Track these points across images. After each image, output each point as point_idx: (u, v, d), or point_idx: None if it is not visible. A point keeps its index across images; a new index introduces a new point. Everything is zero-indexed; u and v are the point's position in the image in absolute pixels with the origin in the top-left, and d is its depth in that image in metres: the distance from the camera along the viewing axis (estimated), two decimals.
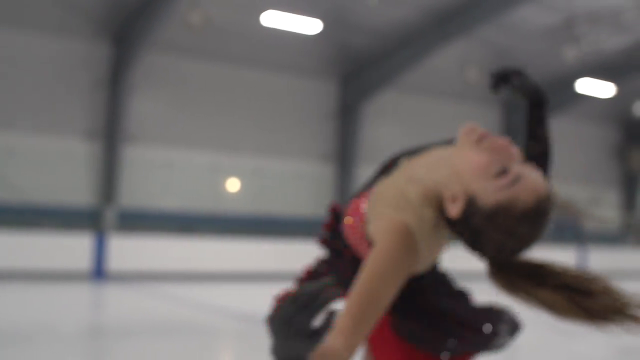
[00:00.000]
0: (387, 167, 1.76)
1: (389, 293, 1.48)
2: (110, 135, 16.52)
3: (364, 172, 19.89)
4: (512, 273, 1.57)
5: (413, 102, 20.78)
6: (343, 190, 19.59)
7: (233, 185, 18.73)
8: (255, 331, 7.98)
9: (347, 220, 1.72)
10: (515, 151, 1.52)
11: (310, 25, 14.83)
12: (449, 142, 1.73)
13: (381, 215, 1.57)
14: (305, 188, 19.43)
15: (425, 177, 1.60)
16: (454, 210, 1.53)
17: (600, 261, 20.47)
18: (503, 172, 1.49)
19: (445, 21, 17.00)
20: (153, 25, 15.31)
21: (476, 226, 1.51)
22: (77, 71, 16.41)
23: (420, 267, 1.61)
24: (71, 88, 16.38)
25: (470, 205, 1.51)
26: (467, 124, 1.58)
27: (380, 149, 20.35)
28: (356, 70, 19.49)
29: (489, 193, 1.49)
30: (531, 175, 1.50)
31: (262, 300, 11.68)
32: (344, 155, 19.80)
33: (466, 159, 1.53)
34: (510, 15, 16.92)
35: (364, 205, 1.65)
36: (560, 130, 23.18)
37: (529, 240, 1.52)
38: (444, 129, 21.36)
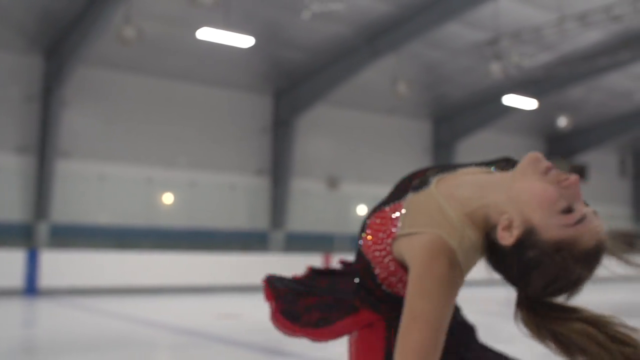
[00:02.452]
0: (414, 184, 1.64)
1: (444, 314, 1.43)
2: (43, 150, 16.35)
3: (298, 185, 20.17)
4: (544, 313, 1.51)
5: (345, 116, 21.20)
6: (277, 203, 19.80)
7: (167, 199, 18.75)
8: (191, 344, 8.13)
9: (367, 236, 1.63)
10: (581, 190, 1.49)
11: (243, 41, 15.05)
12: (489, 165, 1.72)
13: (416, 231, 1.50)
14: (239, 201, 19.57)
15: (473, 198, 1.52)
16: (509, 238, 1.46)
17: None
18: (569, 210, 1.44)
19: (376, 37, 17.47)
20: (86, 39, 15.26)
21: (530, 259, 1.45)
22: (8, 85, 16.21)
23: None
24: (2, 102, 16.16)
25: (529, 236, 1.44)
26: (532, 153, 1.51)
27: (313, 162, 20.69)
28: (289, 85, 19.79)
29: (553, 228, 1.43)
30: (594, 217, 1.47)
31: (197, 313, 11.87)
32: (277, 168, 20.04)
33: (531, 189, 1.45)
34: (439, 32, 17.50)
35: (393, 222, 1.58)
36: (487, 141, 23.98)
37: (579, 281, 1.47)
38: (375, 142, 21.87)
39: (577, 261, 1.43)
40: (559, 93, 22.14)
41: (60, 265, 14.15)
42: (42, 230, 15.95)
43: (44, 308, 12.23)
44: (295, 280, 1.90)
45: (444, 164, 1.80)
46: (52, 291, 13.76)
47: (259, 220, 19.85)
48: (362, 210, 21.70)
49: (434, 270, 1.42)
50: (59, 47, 16.09)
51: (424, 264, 1.43)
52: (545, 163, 1.49)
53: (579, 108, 23.92)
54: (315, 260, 17.26)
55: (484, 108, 22.53)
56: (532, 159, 1.50)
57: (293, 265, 18.76)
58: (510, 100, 20.52)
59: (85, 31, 15.13)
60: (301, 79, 19.55)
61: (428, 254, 1.44)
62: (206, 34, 14.61)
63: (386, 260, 1.58)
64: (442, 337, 1.42)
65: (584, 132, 26.11)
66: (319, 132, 20.80)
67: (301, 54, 18.52)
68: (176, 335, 8.94)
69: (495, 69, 17.33)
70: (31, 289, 13.72)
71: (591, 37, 18.83)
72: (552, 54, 19.67)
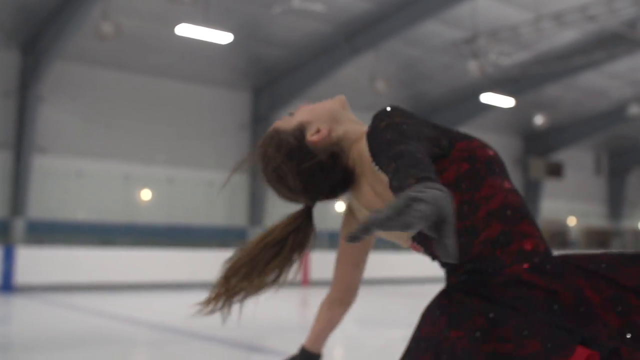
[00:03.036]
0: None
1: None
2: (19, 145, 16.22)
3: None
4: None
5: None
6: (256, 200, 19.80)
7: (146, 195, 18.68)
8: (170, 340, 8.14)
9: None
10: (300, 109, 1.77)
11: (221, 37, 15.05)
12: None
13: None
14: (218, 198, 19.55)
15: None
16: None
17: None
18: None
19: (355, 35, 17.52)
20: (63, 35, 15.16)
21: None
22: None
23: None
24: None
25: None
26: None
27: None
28: (268, 82, 19.80)
29: None
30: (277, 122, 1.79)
31: (176, 309, 11.80)
32: (256, 165, 20.02)
33: None
34: (417, 30, 17.59)
35: None
36: None
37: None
38: None
39: None
40: (536, 91, 22.35)
41: (36, 262, 14.04)
42: (19, 226, 15.83)
43: (20, 305, 12.15)
44: None
45: None
46: (28, 288, 13.67)
47: (238, 217, 19.85)
48: (340, 206, 21.75)
49: None
50: (35, 43, 15.97)
51: None
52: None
53: (555, 106, 24.17)
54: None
55: (461, 106, 22.68)
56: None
57: None
58: (488, 98, 20.69)
59: (62, 26, 15.03)
60: (280, 76, 19.56)
61: None
62: (185, 30, 14.58)
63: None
64: None
65: (560, 130, 26.39)
66: None
67: (280, 50, 18.53)
68: (155, 331, 8.94)
69: (473, 67, 17.46)
70: (7, 285, 13.62)
71: (567, 36, 19.04)
72: (528, 52, 19.85)
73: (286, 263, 1.72)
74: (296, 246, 1.73)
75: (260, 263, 1.70)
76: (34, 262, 13.99)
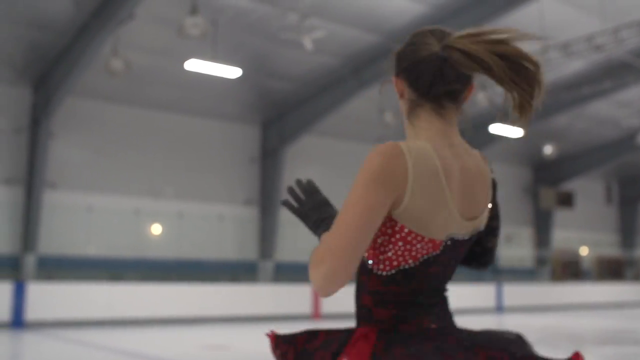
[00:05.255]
0: None
1: (368, 207, 1.56)
2: (30, 181, 16.30)
3: (287, 215, 20.10)
4: None
5: (333, 145, 21.28)
6: (266, 233, 19.78)
7: (156, 230, 18.69)
8: None
9: None
10: None
11: (230, 72, 15.18)
12: None
13: None
14: (228, 232, 19.54)
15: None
16: None
17: (515, 296, 21.22)
18: None
19: (362, 68, 17.63)
20: (73, 71, 15.31)
21: None
22: None
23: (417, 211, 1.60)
24: None
25: None
26: None
27: None
28: (277, 115, 19.90)
29: None
30: None
31: (185, 344, 11.79)
32: (266, 198, 20.05)
33: None
34: None
35: None
36: None
37: None
38: None
39: None
40: (545, 121, 22.33)
41: (47, 298, 14.03)
42: (30, 262, 15.84)
43: (31, 341, 12.11)
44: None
45: None
46: (39, 324, 13.64)
47: (248, 251, 19.81)
48: None
49: (372, 162, 1.58)
50: (46, 79, 16.14)
51: (367, 158, 1.60)
52: None
53: (565, 136, 24.15)
54: (305, 290, 17.22)
55: (472, 137, 22.63)
56: None
57: (282, 295, 18.73)
58: (497, 129, 20.69)
59: (72, 63, 15.18)
60: (289, 109, 19.66)
61: (374, 150, 1.61)
62: (194, 65, 14.72)
63: None
64: (359, 236, 1.54)
65: (570, 160, 26.33)
66: (307, 162, 20.86)
67: (288, 84, 18.65)
68: None
69: (481, 97, 17.51)
70: (18, 322, 13.59)
71: (574, 66, 19.08)
72: None
73: None
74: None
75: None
76: (44, 298, 13.98)
